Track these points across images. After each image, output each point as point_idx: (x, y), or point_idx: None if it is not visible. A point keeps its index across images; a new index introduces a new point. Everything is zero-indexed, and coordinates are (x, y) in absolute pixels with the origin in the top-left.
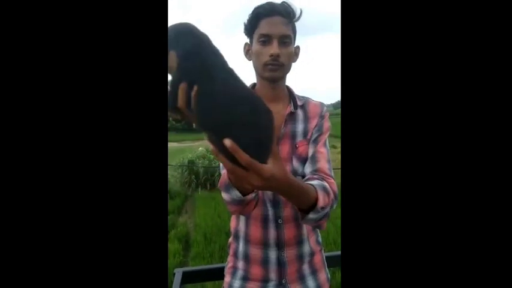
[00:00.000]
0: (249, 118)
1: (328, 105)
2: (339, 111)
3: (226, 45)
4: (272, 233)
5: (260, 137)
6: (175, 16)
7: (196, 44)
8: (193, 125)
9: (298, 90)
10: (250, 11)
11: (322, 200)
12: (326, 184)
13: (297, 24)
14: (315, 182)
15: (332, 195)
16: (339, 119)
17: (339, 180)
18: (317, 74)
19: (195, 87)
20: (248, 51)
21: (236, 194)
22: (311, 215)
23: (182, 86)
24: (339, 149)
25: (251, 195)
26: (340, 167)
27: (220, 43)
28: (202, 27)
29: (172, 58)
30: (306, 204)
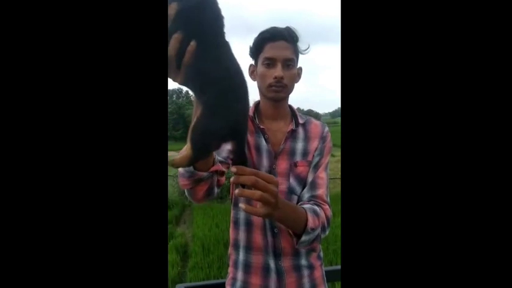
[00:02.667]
0: (237, 94)
1: (325, 114)
2: (336, 119)
3: None
4: (270, 240)
5: (244, 112)
6: None
7: (201, 1)
8: (173, 77)
9: (296, 100)
10: (244, 24)
11: (312, 222)
12: (317, 208)
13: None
14: (305, 206)
15: (323, 219)
16: (336, 128)
17: (338, 189)
18: (315, 83)
19: (193, 43)
20: (253, 72)
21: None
22: (304, 237)
23: (177, 36)
24: (337, 158)
25: (202, 173)
26: (338, 176)
27: None
28: None
29: (172, 8)
30: (297, 225)
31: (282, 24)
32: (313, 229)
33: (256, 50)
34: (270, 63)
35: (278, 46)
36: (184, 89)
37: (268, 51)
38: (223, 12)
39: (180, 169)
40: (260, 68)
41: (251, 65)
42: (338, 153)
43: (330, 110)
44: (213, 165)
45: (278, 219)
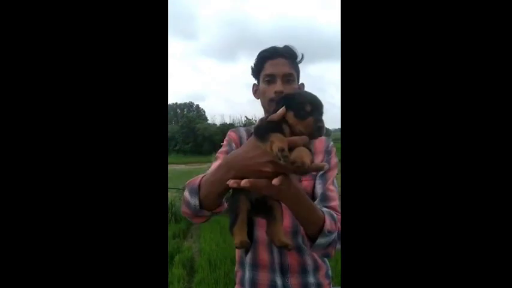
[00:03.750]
0: None
1: (335, 130)
2: None
3: (228, 72)
4: (276, 257)
5: None
6: (178, 45)
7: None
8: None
9: None
10: (253, 39)
11: (329, 223)
12: (333, 213)
13: (308, 51)
14: (323, 209)
15: (339, 226)
16: None
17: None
18: (324, 99)
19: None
20: (256, 91)
21: (195, 202)
22: (319, 240)
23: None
24: None
25: (207, 212)
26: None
27: (221, 70)
28: (206, 55)
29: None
30: (313, 223)
31: (290, 40)
32: (330, 232)
33: (257, 69)
34: (270, 79)
35: (277, 63)
36: (195, 102)
37: (267, 69)
38: (233, 27)
39: (187, 196)
40: (262, 86)
41: (254, 84)
42: None
43: (340, 126)
44: (219, 205)
45: (292, 208)
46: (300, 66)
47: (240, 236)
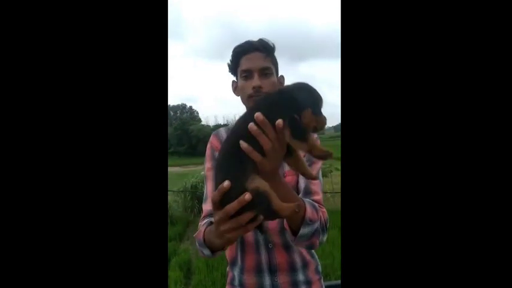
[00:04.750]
0: None
1: (329, 128)
2: (339, 133)
3: (220, 72)
4: (264, 257)
5: None
6: (169, 47)
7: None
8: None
9: None
10: (243, 39)
11: (310, 212)
12: (315, 204)
13: (298, 49)
14: (303, 199)
15: (322, 217)
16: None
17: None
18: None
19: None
20: (236, 88)
21: (207, 252)
22: (302, 230)
23: None
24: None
25: (219, 253)
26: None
27: (213, 70)
28: (197, 56)
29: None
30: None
31: (281, 40)
32: (312, 221)
33: (233, 66)
34: (247, 75)
35: (252, 57)
36: (188, 104)
37: (244, 64)
38: (223, 28)
39: (199, 248)
40: (240, 82)
41: (233, 81)
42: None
43: (334, 124)
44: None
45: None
46: (292, 65)
47: (286, 205)
